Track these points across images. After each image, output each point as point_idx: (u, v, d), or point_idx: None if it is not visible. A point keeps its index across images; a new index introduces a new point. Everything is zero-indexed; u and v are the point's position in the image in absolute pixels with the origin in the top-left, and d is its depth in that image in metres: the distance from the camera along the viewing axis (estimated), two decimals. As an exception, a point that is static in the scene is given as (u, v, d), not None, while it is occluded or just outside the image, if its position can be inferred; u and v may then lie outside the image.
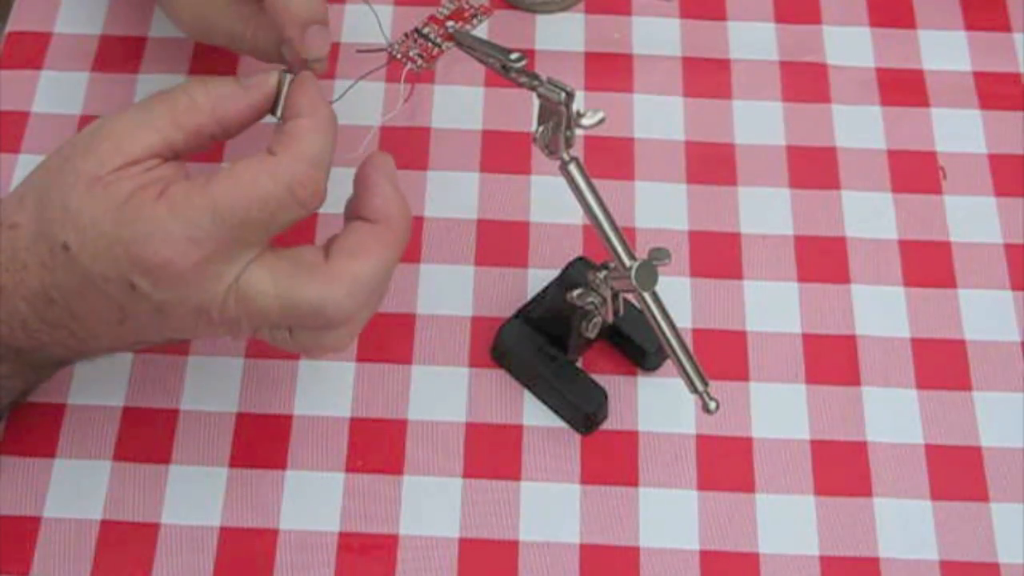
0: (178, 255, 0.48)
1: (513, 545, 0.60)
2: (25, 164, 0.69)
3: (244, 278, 0.49)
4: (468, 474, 0.61)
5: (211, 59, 0.73)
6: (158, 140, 0.49)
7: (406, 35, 0.63)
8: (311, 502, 0.60)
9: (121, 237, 0.48)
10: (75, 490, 0.60)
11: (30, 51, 0.74)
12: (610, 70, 0.74)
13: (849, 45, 0.75)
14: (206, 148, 0.52)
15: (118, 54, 0.73)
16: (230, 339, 0.54)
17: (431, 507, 0.60)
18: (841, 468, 0.62)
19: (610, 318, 0.60)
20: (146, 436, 0.62)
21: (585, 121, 0.55)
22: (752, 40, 0.75)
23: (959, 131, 0.72)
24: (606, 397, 0.62)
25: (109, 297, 0.49)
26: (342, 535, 0.60)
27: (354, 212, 0.53)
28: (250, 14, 0.59)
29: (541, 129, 0.56)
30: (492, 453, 0.62)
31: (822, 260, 0.68)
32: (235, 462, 0.61)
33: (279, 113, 0.52)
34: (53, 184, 0.50)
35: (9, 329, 0.51)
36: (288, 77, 0.53)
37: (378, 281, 0.51)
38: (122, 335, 0.51)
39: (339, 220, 0.54)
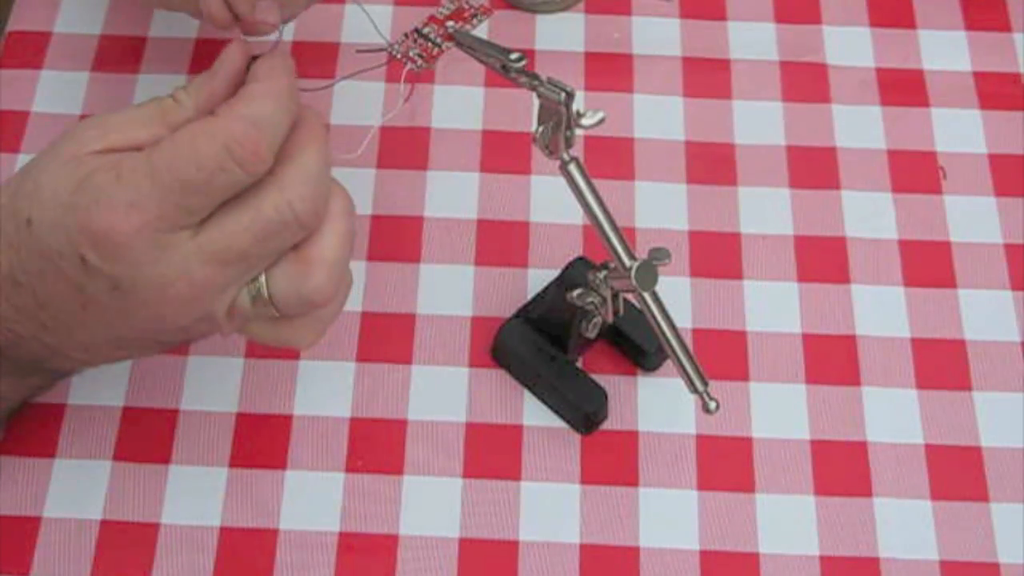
0: (119, 220, 0.47)
1: (513, 545, 0.60)
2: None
3: (202, 238, 0.48)
4: (468, 474, 0.61)
5: (211, 59, 0.73)
6: (145, 135, 0.49)
7: (406, 35, 0.63)
8: (311, 502, 0.60)
9: (72, 206, 0.48)
10: (75, 490, 0.60)
11: (30, 51, 0.74)
12: (610, 70, 0.74)
13: (849, 45, 0.75)
14: None
15: (118, 54, 0.74)
16: (205, 336, 0.52)
17: (431, 507, 0.60)
18: (841, 468, 0.62)
19: (610, 318, 0.60)
20: (146, 436, 0.62)
21: (585, 121, 0.55)
22: (752, 40, 0.75)
23: (959, 131, 0.72)
24: (606, 397, 0.62)
25: (66, 276, 0.49)
26: (342, 535, 0.60)
27: None
28: None
29: (541, 129, 0.56)
30: (492, 453, 0.62)
31: (822, 260, 0.68)
32: (235, 462, 0.61)
33: None
34: (34, 166, 0.50)
35: None
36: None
37: (325, 168, 0.50)
38: (90, 326, 0.50)
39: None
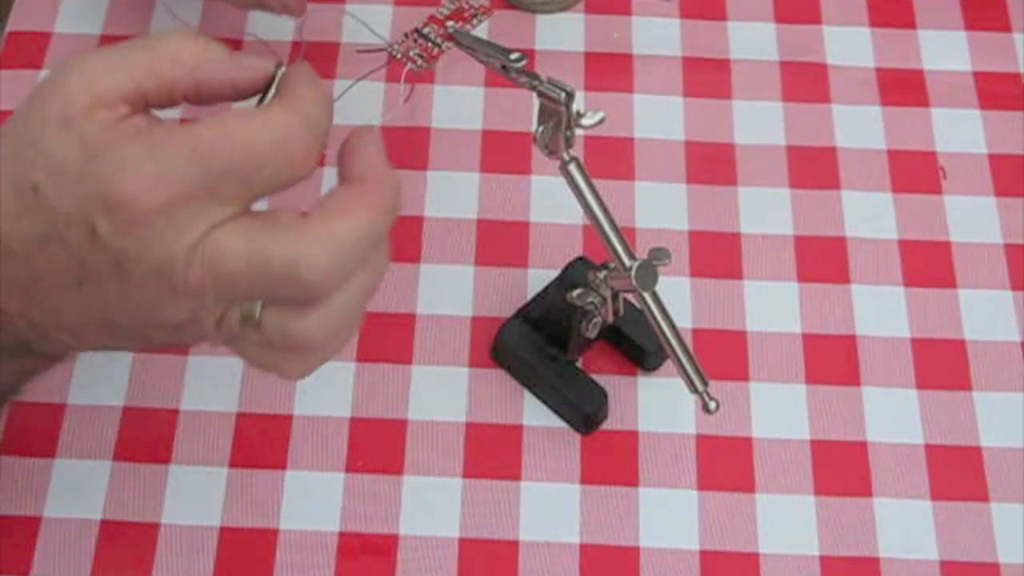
0: (144, 191, 0.45)
1: (513, 545, 0.60)
2: (25, 164, 0.69)
3: (213, 236, 0.46)
4: (468, 474, 0.61)
5: (211, 59, 0.73)
6: (128, 83, 0.47)
7: (406, 35, 0.63)
8: (311, 502, 0.60)
9: (89, 172, 0.45)
10: (75, 490, 0.60)
11: (30, 51, 0.74)
12: (610, 70, 0.74)
13: (849, 45, 0.75)
14: (174, 106, 0.48)
15: (118, 54, 0.73)
16: (194, 341, 0.50)
17: (431, 507, 0.61)
18: (841, 468, 0.62)
19: (610, 318, 0.60)
20: (146, 436, 0.62)
21: (585, 121, 0.55)
22: (752, 40, 0.75)
23: (959, 131, 0.72)
24: (606, 397, 0.62)
25: (68, 247, 0.46)
26: (342, 535, 0.60)
27: (340, 176, 0.49)
28: None
29: (541, 129, 0.56)
30: (492, 453, 0.62)
31: (822, 260, 0.68)
32: (235, 462, 0.61)
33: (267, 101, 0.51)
34: (23, 128, 0.47)
35: None
36: (283, 70, 0.52)
37: (360, 245, 0.47)
38: (82, 305, 0.48)
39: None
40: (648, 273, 0.55)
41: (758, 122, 0.72)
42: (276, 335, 0.48)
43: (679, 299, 0.66)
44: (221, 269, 0.46)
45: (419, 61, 0.61)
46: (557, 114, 0.54)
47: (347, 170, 0.49)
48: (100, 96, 0.46)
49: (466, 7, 0.63)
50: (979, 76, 0.74)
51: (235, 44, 0.74)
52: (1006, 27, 0.76)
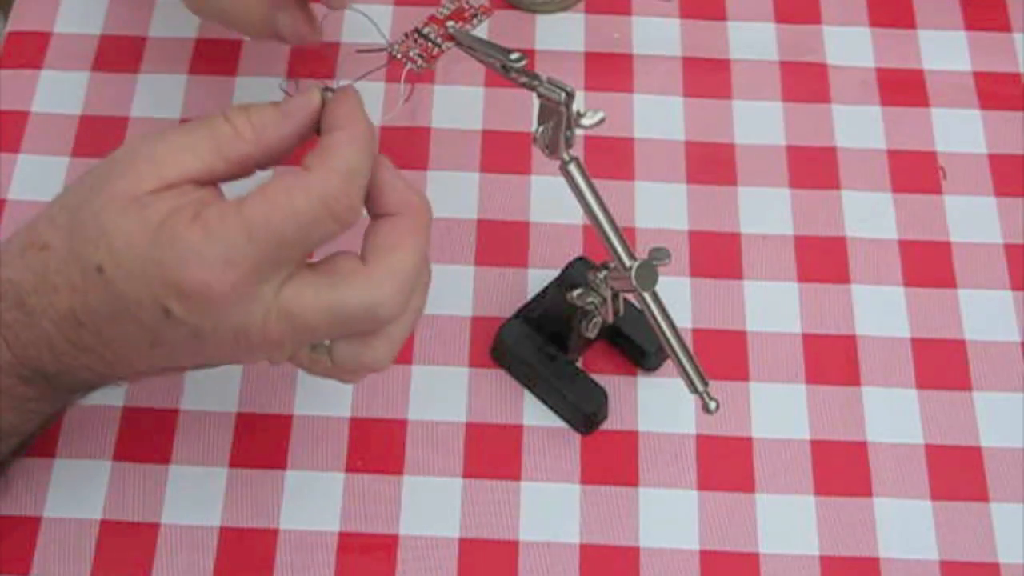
0: (214, 278, 0.47)
1: (513, 545, 0.60)
2: (25, 164, 0.69)
3: (284, 295, 0.48)
4: (468, 474, 0.61)
5: (211, 59, 0.73)
6: (199, 166, 0.49)
7: (406, 35, 0.63)
8: (311, 502, 0.60)
9: (155, 260, 0.47)
10: (75, 490, 0.60)
11: (30, 51, 0.74)
12: (610, 70, 0.74)
13: (849, 45, 0.75)
14: (248, 175, 0.51)
15: (118, 54, 0.73)
16: (269, 363, 0.52)
17: (431, 507, 0.61)
18: (841, 468, 0.62)
19: (610, 318, 0.60)
20: (146, 436, 0.62)
21: (585, 121, 0.55)
22: (752, 40, 0.75)
23: (959, 131, 0.72)
24: (606, 397, 0.62)
25: (141, 322, 0.48)
26: (342, 535, 0.60)
27: (373, 212, 0.52)
28: None
29: (541, 129, 0.56)
30: (492, 453, 0.62)
31: (822, 260, 0.68)
32: (235, 462, 0.61)
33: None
34: (87, 204, 0.49)
35: (36, 352, 0.50)
36: (329, 95, 0.52)
37: (417, 271, 0.51)
38: (153, 359, 0.50)
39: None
40: (648, 273, 0.55)
41: (758, 122, 0.72)
42: (348, 363, 0.52)
43: (679, 299, 0.66)
44: (299, 323, 0.49)
45: (419, 61, 0.61)
46: (557, 114, 0.54)
47: (379, 206, 0.52)
48: (168, 180, 0.48)
49: (466, 7, 0.62)
50: (979, 76, 0.74)
51: (235, 45, 0.74)
52: (1006, 27, 0.76)
